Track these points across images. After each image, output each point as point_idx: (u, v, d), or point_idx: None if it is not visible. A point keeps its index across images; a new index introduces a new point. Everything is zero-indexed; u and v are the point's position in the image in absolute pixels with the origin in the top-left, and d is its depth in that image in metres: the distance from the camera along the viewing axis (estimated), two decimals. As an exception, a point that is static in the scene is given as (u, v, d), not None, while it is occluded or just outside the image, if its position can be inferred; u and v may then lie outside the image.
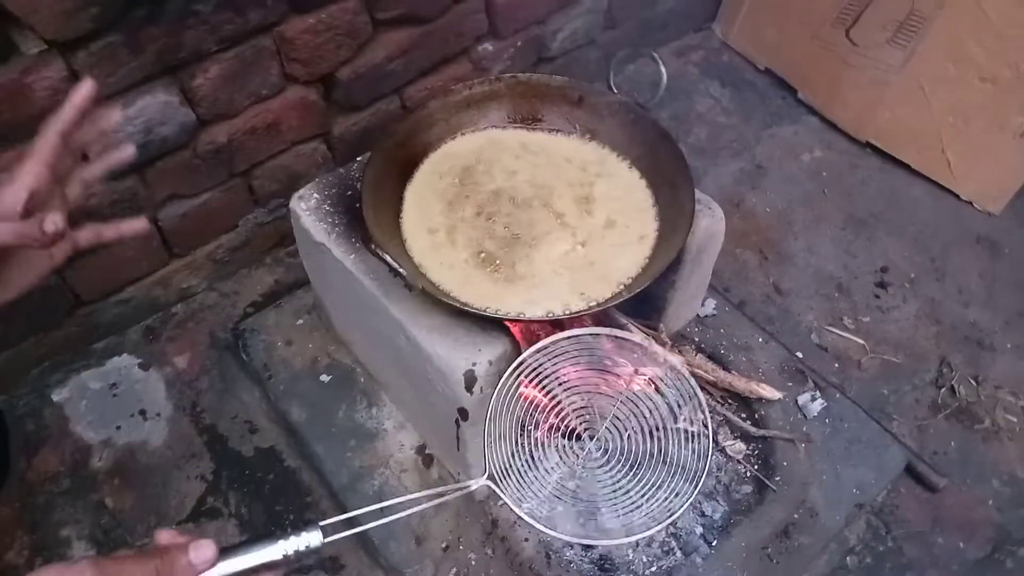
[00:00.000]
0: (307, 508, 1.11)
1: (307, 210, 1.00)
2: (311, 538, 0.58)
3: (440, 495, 0.72)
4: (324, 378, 1.16)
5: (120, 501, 1.11)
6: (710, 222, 1.00)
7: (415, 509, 0.70)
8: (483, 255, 0.92)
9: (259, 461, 1.15)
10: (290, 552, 0.57)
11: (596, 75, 1.56)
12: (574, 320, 0.94)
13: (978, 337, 1.30)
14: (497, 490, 0.80)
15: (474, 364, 0.86)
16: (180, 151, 1.12)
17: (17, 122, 0.95)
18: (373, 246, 0.87)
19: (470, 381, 0.87)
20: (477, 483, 0.77)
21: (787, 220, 1.45)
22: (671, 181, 0.95)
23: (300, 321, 1.21)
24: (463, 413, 0.91)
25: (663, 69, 1.03)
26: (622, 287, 0.91)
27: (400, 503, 0.68)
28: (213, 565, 0.54)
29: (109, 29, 0.96)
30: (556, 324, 0.95)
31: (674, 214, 0.93)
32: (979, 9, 1.31)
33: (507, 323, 0.89)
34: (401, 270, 0.85)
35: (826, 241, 1.42)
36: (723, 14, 1.73)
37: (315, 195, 1.01)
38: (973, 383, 1.25)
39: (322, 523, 0.60)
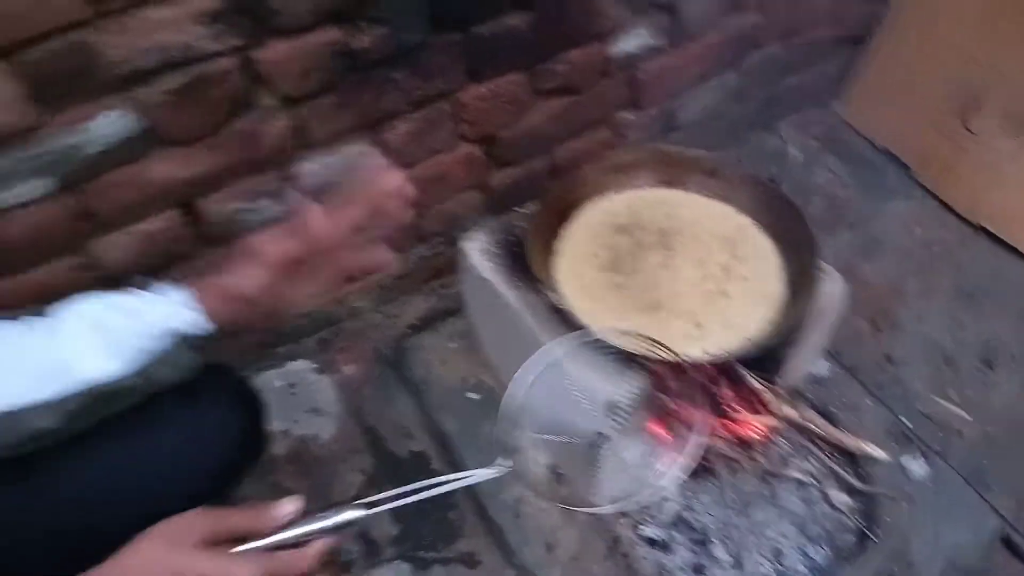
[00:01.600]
0: (450, 507, 1.27)
1: (475, 250, 1.18)
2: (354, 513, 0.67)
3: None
4: (472, 395, 1.33)
5: (294, 483, 1.29)
6: (832, 288, 1.13)
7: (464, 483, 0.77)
8: (625, 300, 1.08)
9: (411, 462, 1.32)
10: (353, 518, 0.66)
11: (722, 143, 1.70)
12: (702, 366, 1.07)
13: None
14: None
15: (614, 393, 1.01)
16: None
17: (250, 160, 1.17)
18: (541, 285, 1.04)
19: (610, 408, 1.02)
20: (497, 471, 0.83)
21: (898, 291, 1.55)
22: (798, 249, 1.09)
23: (453, 345, 1.39)
24: (600, 435, 1.05)
25: (789, 148, 1.16)
26: (749, 341, 1.04)
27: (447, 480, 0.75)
28: (293, 517, 0.63)
29: (327, 90, 1.18)
30: (686, 368, 1.10)
31: (800, 279, 1.06)
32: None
33: (644, 360, 1.03)
34: (564, 307, 1.01)
35: (935, 314, 1.51)
36: (845, 93, 1.85)
37: (482, 237, 1.20)
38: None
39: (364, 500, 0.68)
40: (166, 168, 1.10)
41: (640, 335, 0.88)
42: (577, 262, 1.12)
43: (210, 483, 0.87)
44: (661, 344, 0.89)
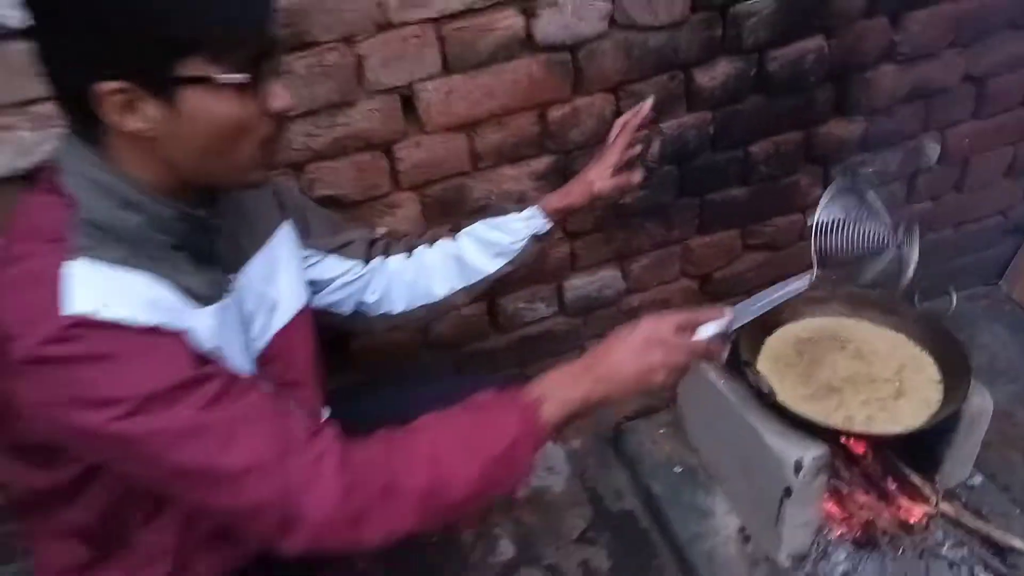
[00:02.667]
0: (652, 554, 1.61)
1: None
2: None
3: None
4: (676, 469, 1.69)
5: (531, 520, 1.69)
6: (980, 400, 1.43)
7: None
8: (813, 393, 1.43)
9: (622, 517, 1.68)
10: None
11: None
12: (873, 444, 1.40)
13: None
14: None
15: (802, 456, 1.35)
16: (609, 307, 1.79)
17: (537, 272, 1.66)
18: (749, 370, 1.42)
19: (798, 467, 1.36)
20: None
21: (1054, 438, 1.78)
22: (956, 370, 1.41)
23: (661, 431, 1.77)
24: (788, 491, 1.38)
25: (954, 297, 1.49)
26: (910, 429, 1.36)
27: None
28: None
29: (597, 230, 1.67)
30: (860, 443, 1.43)
31: (955, 391, 1.38)
32: None
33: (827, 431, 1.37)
34: (767, 389, 1.39)
35: (1088, 459, 1.72)
36: (1010, 274, 2.15)
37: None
38: None
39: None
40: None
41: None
42: (775, 363, 1.50)
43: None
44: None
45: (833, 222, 1.31)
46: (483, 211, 1.50)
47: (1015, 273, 2.15)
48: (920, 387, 1.43)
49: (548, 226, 1.25)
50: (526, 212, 1.24)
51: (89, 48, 0.75)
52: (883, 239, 1.35)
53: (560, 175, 1.52)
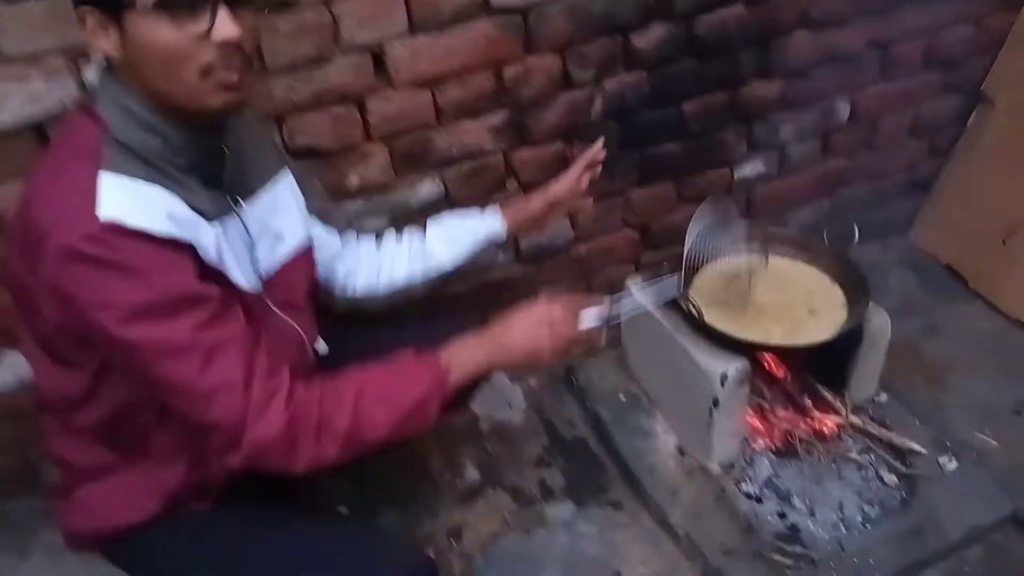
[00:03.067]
0: (601, 471, 1.80)
1: (636, 288, 1.78)
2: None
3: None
4: (622, 397, 1.88)
5: (494, 448, 1.86)
6: (880, 320, 1.65)
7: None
8: (736, 317, 1.63)
9: (575, 443, 1.87)
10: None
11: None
12: (788, 356, 1.61)
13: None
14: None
15: (726, 369, 1.55)
16: (560, 254, 1.96)
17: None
18: (683, 298, 1.61)
19: (723, 379, 1.55)
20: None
21: (950, 364, 2.01)
22: (859, 297, 1.62)
23: (608, 367, 1.96)
24: (715, 401, 1.58)
25: (856, 232, 1.70)
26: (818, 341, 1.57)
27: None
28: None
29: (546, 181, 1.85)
30: (777, 357, 1.64)
31: (857, 312, 1.60)
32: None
33: (746, 346, 1.57)
34: (696, 312, 1.58)
35: (979, 380, 1.96)
36: (917, 225, 2.40)
37: (640, 282, 1.79)
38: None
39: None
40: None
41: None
42: (704, 295, 1.69)
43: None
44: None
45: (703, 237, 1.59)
46: (448, 163, 1.67)
47: (922, 224, 2.39)
48: (828, 309, 1.65)
49: (504, 234, 1.42)
50: (488, 215, 1.42)
51: None
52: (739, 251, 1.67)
53: (514, 129, 1.70)
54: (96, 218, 0.90)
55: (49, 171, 0.98)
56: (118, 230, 0.91)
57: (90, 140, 0.97)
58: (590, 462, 1.83)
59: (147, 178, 0.97)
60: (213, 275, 1.03)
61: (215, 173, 1.07)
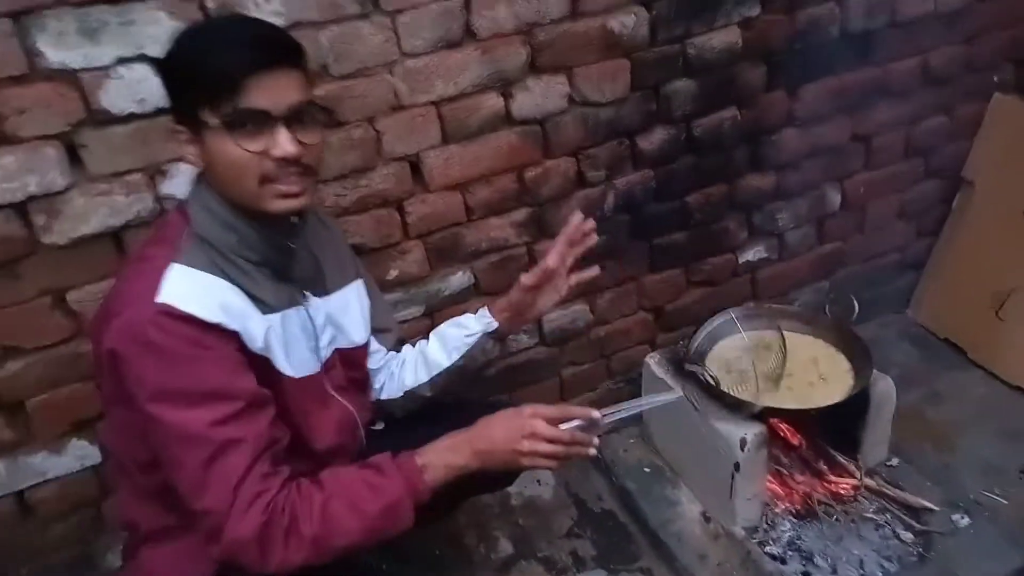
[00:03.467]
0: (631, 541, 1.88)
1: (655, 363, 1.92)
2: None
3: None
4: (646, 470, 1.99)
5: (526, 522, 1.96)
6: (885, 386, 1.78)
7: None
8: (757, 385, 1.76)
9: (603, 514, 1.97)
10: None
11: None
12: (801, 419, 1.73)
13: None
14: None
15: (745, 434, 1.67)
16: (580, 337, 2.11)
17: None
18: (698, 368, 1.74)
19: (743, 444, 1.67)
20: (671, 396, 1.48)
21: (956, 428, 2.12)
22: (863, 363, 1.75)
23: (632, 441, 2.08)
24: (737, 466, 1.69)
25: (856, 304, 1.85)
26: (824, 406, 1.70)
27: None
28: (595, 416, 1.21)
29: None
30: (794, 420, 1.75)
31: (863, 377, 1.73)
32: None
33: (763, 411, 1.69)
34: (712, 379, 1.71)
35: (984, 443, 2.06)
36: (914, 302, 2.55)
37: (658, 357, 1.94)
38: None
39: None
40: (479, 307, 1.93)
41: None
42: (720, 367, 1.83)
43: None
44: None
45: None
46: (477, 255, 1.85)
47: (918, 301, 2.54)
48: (835, 376, 1.79)
49: (495, 324, 1.45)
50: (479, 311, 1.48)
51: (170, 102, 1.12)
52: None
53: (535, 223, 1.88)
54: (154, 302, 1.06)
55: (137, 258, 1.17)
56: (170, 313, 1.06)
57: (176, 233, 1.15)
58: (619, 532, 1.92)
59: (213, 270, 1.13)
60: (258, 361, 1.17)
61: (285, 268, 1.23)
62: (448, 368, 1.47)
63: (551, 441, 1.21)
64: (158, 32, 1.38)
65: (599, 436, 1.26)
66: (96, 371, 1.20)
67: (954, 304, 2.41)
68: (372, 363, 1.48)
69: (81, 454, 1.66)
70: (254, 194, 1.12)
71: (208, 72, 1.06)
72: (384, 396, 1.51)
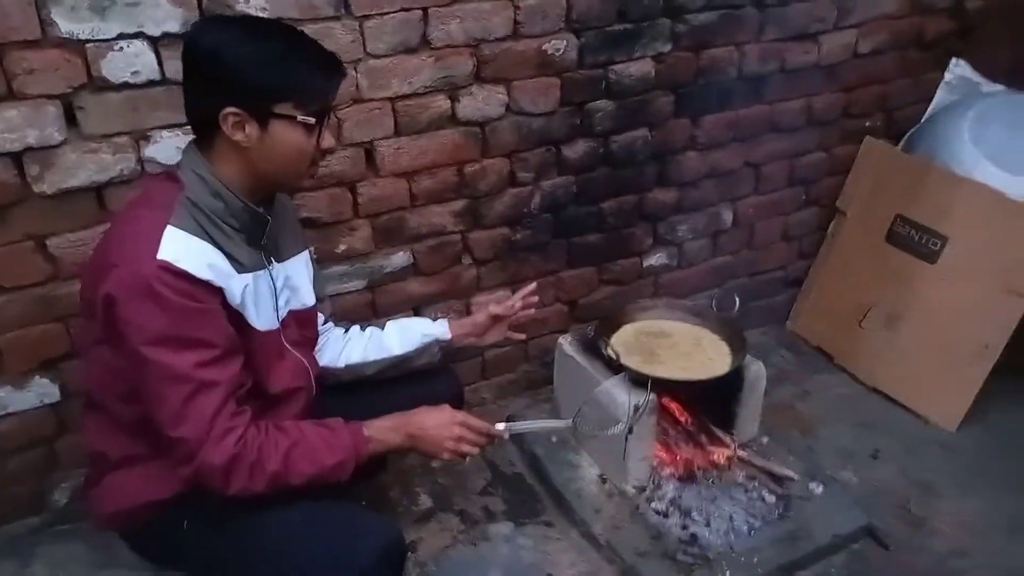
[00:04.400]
0: (536, 499, 2.14)
1: (567, 344, 2.19)
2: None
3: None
4: (553, 439, 2.25)
5: (445, 480, 2.18)
6: (757, 368, 2.10)
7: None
8: (645, 361, 2.05)
9: (514, 477, 2.21)
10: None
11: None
12: (689, 393, 2.03)
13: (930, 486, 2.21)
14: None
15: (637, 401, 1.95)
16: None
17: (452, 290, 2.24)
18: (604, 345, 2.02)
19: (636, 409, 1.95)
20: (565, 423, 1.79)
21: (820, 420, 2.46)
22: (740, 348, 2.07)
23: (543, 414, 2.34)
24: (631, 429, 1.97)
25: (737, 301, 2.18)
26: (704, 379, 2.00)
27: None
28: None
29: (497, 259, 2.28)
30: (681, 393, 2.05)
31: (740, 357, 2.04)
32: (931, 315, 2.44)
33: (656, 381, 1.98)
34: (614, 355, 1.99)
35: (842, 432, 2.41)
36: (793, 314, 2.91)
37: (570, 339, 2.21)
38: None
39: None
40: (415, 287, 2.18)
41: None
42: (622, 347, 2.11)
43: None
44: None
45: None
46: (417, 238, 2.09)
47: (796, 313, 2.91)
48: (718, 357, 2.10)
49: (448, 336, 1.76)
50: (439, 320, 1.79)
51: (228, 89, 1.29)
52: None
53: (471, 214, 2.14)
54: (155, 258, 1.24)
55: (129, 215, 1.35)
56: (168, 269, 1.25)
57: (169, 197, 1.33)
58: (527, 492, 2.17)
59: (202, 234, 1.32)
60: (234, 315, 1.38)
61: (257, 236, 1.44)
62: (396, 356, 1.74)
63: (478, 433, 1.57)
64: (158, 15, 1.59)
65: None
66: (83, 312, 1.39)
67: (825, 317, 2.78)
68: None
69: (42, 392, 1.81)
70: (300, 174, 1.40)
71: (309, 81, 1.32)
72: (324, 363, 1.70)
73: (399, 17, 1.83)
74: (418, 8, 1.84)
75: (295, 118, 1.31)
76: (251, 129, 1.31)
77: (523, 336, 1.89)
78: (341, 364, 1.73)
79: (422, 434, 1.52)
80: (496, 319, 1.82)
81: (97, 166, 1.67)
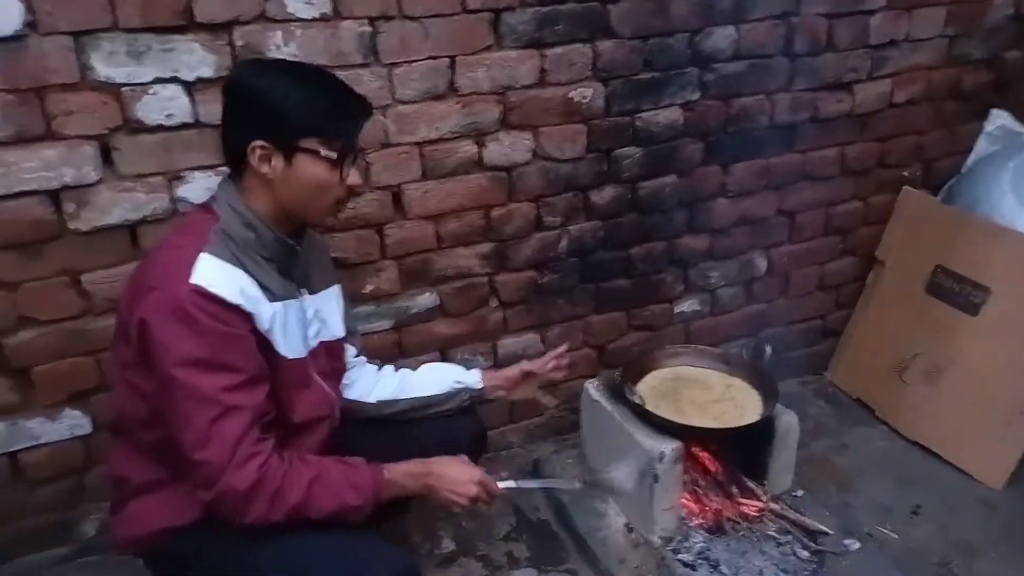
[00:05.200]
0: (561, 547, 2.09)
1: (593, 388, 2.17)
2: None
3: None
4: (577, 484, 2.21)
5: (469, 525, 2.16)
6: (789, 418, 2.04)
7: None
8: (674, 409, 2.02)
9: (538, 523, 2.17)
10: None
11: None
12: (719, 442, 1.98)
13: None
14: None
15: (664, 448, 1.91)
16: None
17: (479, 332, 2.24)
18: (629, 391, 2.00)
19: (661, 457, 1.91)
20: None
21: (859, 473, 2.38)
22: (772, 397, 2.02)
23: (569, 460, 2.31)
24: (655, 477, 1.93)
25: (768, 350, 2.14)
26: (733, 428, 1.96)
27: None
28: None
29: (523, 302, 2.28)
30: (710, 442, 2.00)
31: (771, 405, 1.99)
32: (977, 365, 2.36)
33: (683, 429, 1.94)
34: (639, 400, 1.96)
35: (882, 486, 2.32)
36: (832, 366, 2.84)
37: (597, 383, 2.19)
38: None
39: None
40: (442, 328, 2.19)
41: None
42: (648, 393, 2.08)
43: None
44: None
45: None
46: (443, 280, 2.11)
47: (835, 365, 2.84)
48: (748, 405, 2.05)
49: (480, 386, 1.77)
50: (472, 370, 1.80)
51: (257, 123, 1.34)
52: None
53: (498, 256, 2.16)
54: (188, 283, 1.29)
55: (168, 244, 1.40)
56: (202, 293, 1.29)
57: (204, 227, 1.38)
58: (551, 539, 2.13)
59: (235, 262, 1.36)
60: (263, 341, 1.41)
61: (288, 266, 1.47)
62: (425, 397, 1.75)
63: (492, 495, 1.59)
64: (192, 60, 1.67)
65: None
66: (117, 336, 1.43)
67: (865, 368, 2.71)
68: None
69: (73, 423, 1.86)
70: (324, 210, 1.44)
71: (335, 117, 1.36)
72: (353, 396, 1.72)
73: (427, 65, 1.88)
74: (445, 56, 1.89)
75: (319, 153, 1.35)
76: (276, 162, 1.35)
77: (553, 402, 1.95)
78: (372, 399, 1.74)
79: (440, 485, 1.53)
80: (527, 375, 1.84)
81: (131, 204, 1.73)
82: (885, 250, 2.71)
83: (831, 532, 2.02)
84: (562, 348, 1.85)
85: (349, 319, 1.71)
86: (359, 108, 1.41)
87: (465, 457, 1.59)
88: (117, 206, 1.72)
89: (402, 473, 1.50)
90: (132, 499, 1.48)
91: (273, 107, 1.33)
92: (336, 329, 1.63)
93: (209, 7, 1.64)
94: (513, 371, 1.83)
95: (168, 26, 1.62)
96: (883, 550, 2.07)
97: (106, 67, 1.61)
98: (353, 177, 1.42)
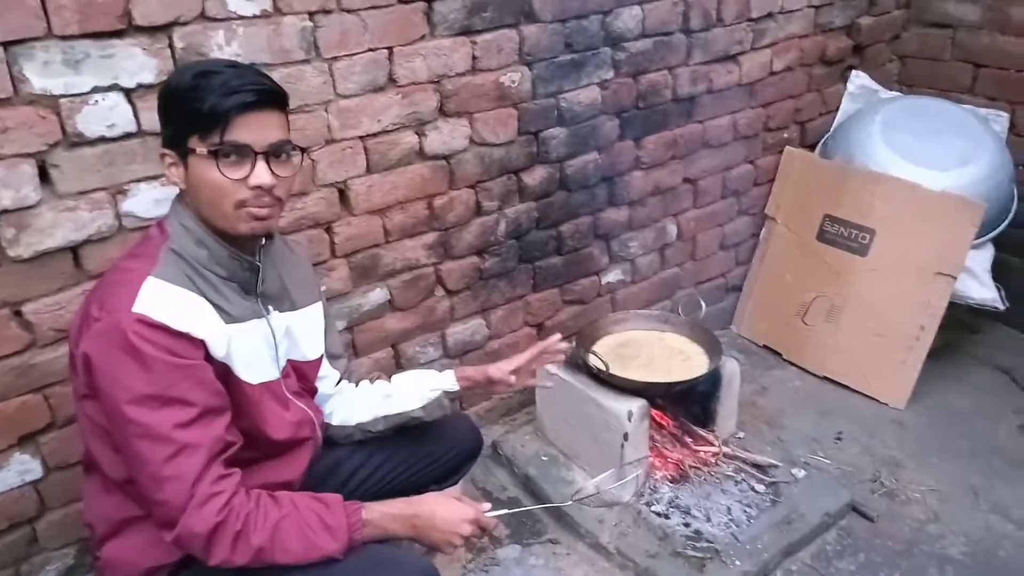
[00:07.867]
0: (536, 520, 2.15)
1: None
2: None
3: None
4: (543, 458, 2.28)
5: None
6: (732, 365, 2.21)
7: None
8: (628, 367, 2.13)
9: (508, 501, 2.22)
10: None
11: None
12: (674, 396, 2.11)
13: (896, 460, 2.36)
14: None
15: (631, 408, 2.02)
16: (478, 349, 2.39)
17: (428, 323, 2.26)
18: (591, 355, 2.08)
19: (629, 416, 2.02)
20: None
21: (782, 411, 2.60)
22: (715, 351, 2.17)
23: (527, 437, 2.37)
24: (625, 436, 2.03)
25: (703, 305, 2.30)
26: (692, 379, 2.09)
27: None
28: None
29: (468, 288, 2.31)
30: (669, 392, 2.13)
31: (716, 358, 2.15)
32: (865, 303, 2.63)
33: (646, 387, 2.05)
34: (602, 363, 2.06)
35: (803, 421, 2.55)
36: (736, 319, 3.07)
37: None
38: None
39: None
40: (392, 323, 2.18)
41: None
42: (604, 353, 2.18)
43: (454, 464, 1.76)
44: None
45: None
46: (392, 274, 2.11)
47: (739, 317, 3.07)
48: (694, 358, 2.19)
49: (456, 387, 1.65)
50: (445, 372, 1.68)
51: (162, 131, 1.28)
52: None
53: (442, 246, 2.18)
54: (130, 311, 1.19)
55: (116, 267, 1.31)
56: (145, 321, 1.19)
57: (154, 247, 1.29)
58: (525, 513, 2.18)
59: (186, 284, 1.26)
60: (220, 368, 1.31)
61: (250, 284, 1.37)
62: (406, 412, 1.63)
63: (483, 531, 1.46)
64: (133, 66, 1.58)
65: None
66: (70, 369, 1.32)
67: (768, 316, 2.95)
68: (325, 388, 1.63)
69: (23, 469, 1.70)
70: (229, 215, 1.26)
71: (203, 108, 1.20)
72: (336, 423, 1.64)
73: (367, 57, 1.87)
74: (383, 48, 1.89)
75: (196, 151, 1.23)
76: (179, 170, 1.27)
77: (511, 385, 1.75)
78: (352, 423, 1.65)
79: (429, 526, 1.38)
80: (491, 382, 1.71)
81: (74, 224, 1.62)
82: (775, 207, 2.96)
83: (779, 464, 2.21)
84: (554, 338, 1.77)
85: (333, 341, 1.64)
86: (230, 93, 1.21)
87: (456, 491, 1.53)
88: (60, 227, 1.60)
89: (384, 514, 1.36)
90: (107, 542, 1.38)
91: (162, 110, 1.28)
92: (309, 350, 1.54)
93: (148, 9, 1.55)
94: (479, 376, 1.70)
95: (106, 31, 1.53)
96: (823, 474, 2.28)
97: (41, 78, 1.49)
98: (258, 176, 1.24)
